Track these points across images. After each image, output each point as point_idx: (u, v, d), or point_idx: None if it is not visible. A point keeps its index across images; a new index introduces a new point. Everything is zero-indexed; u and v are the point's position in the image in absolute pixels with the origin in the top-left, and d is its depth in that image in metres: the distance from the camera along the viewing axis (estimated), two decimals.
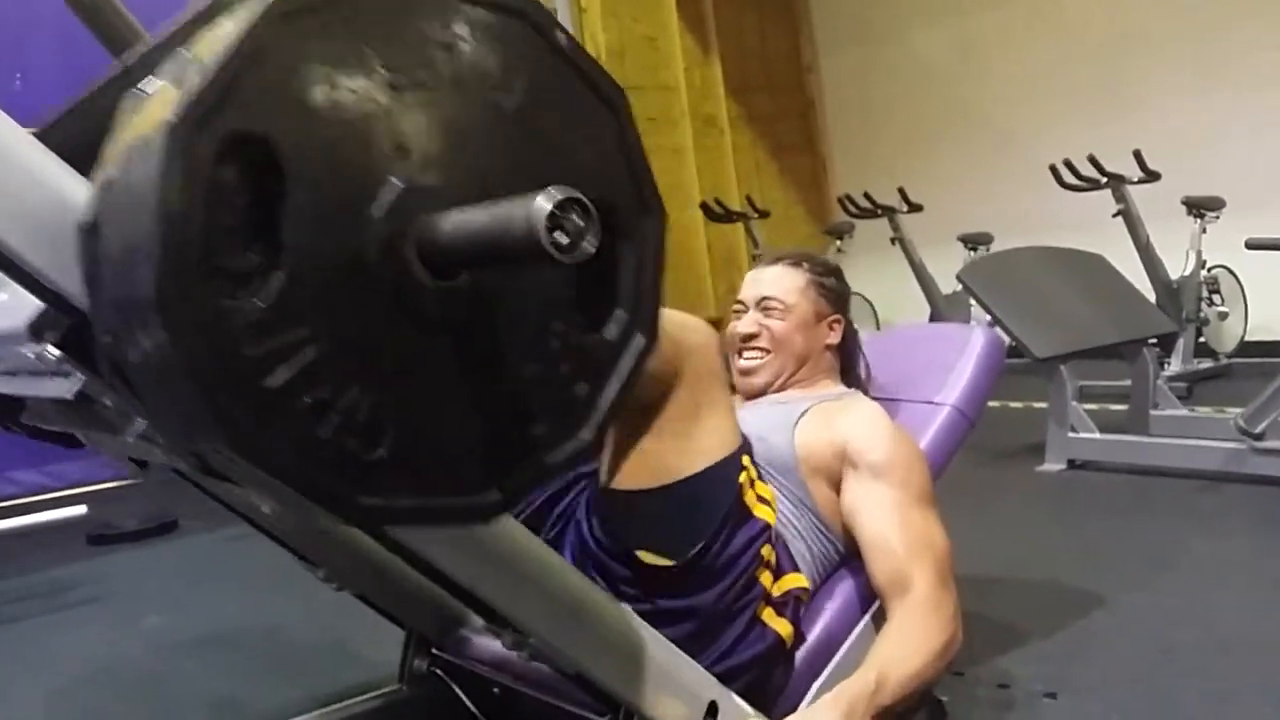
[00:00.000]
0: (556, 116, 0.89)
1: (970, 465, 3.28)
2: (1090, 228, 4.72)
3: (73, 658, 2.38)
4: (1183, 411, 3.38)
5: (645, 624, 1.25)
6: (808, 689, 1.50)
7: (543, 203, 0.71)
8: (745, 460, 1.46)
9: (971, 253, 5.81)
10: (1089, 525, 2.72)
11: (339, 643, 2.18)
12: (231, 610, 2.64)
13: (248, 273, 0.75)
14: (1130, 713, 1.58)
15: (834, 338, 1.82)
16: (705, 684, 1.31)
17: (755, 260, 1.91)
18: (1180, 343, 4.75)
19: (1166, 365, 4.68)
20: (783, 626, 1.49)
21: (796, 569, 1.54)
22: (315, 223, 0.77)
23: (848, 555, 1.62)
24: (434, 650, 1.69)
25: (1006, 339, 2.87)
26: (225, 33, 0.75)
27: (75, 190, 0.84)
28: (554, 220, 0.70)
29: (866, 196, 5.89)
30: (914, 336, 2.05)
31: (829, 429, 1.62)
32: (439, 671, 1.68)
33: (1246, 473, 2.81)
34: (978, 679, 1.72)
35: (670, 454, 1.37)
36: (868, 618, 1.58)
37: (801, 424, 1.64)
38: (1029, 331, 3.09)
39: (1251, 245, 3.13)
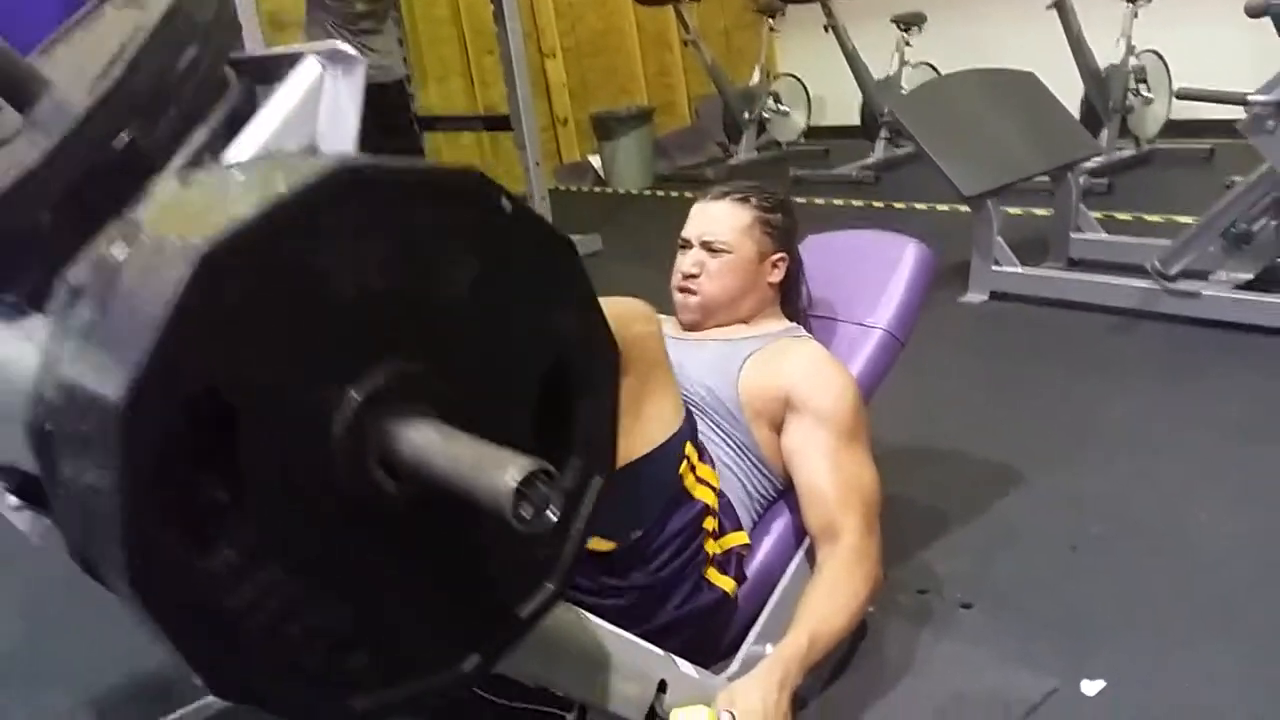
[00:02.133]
0: (509, 280, 0.88)
1: None
2: (1023, 12, 4.64)
3: None
4: (1102, 236, 3.46)
5: (589, 617, 1.31)
6: (749, 628, 1.64)
7: (508, 481, 0.71)
8: (687, 446, 1.52)
9: (904, 33, 5.67)
10: (1007, 374, 2.84)
11: None
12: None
13: (215, 522, 0.76)
14: (1039, 624, 1.74)
15: (776, 275, 1.85)
16: (653, 663, 1.40)
17: (704, 191, 1.90)
18: (1104, 133, 4.79)
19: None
20: (726, 583, 1.60)
21: (738, 525, 1.64)
22: (275, 455, 0.77)
23: (785, 489, 1.72)
24: None
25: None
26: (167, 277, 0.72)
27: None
28: (519, 496, 0.71)
29: None
30: (846, 248, 2.06)
31: (773, 375, 1.69)
32: None
33: (1159, 311, 2.94)
34: (900, 582, 1.86)
35: None
36: (801, 553, 1.69)
37: (745, 369, 1.70)
38: (958, 168, 3.12)
39: (1182, 95, 3.12)
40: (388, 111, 4.77)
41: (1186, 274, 2.88)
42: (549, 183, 4.57)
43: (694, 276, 1.81)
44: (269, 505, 0.77)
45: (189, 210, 0.84)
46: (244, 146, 1.13)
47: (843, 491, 1.61)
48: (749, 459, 1.70)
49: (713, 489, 1.57)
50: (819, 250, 2.06)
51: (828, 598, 1.54)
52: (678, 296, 1.84)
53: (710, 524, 1.56)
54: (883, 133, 5.79)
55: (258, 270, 0.74)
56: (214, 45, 1.17)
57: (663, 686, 1.40)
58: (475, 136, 6.10)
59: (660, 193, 6.03)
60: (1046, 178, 3.39)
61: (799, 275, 1.89)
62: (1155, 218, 3.97)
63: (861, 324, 1.90)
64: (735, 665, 1.56)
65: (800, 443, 1.66)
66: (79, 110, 1.08)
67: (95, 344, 0.77)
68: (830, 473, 1.62)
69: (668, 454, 1.49)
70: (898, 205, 4.79)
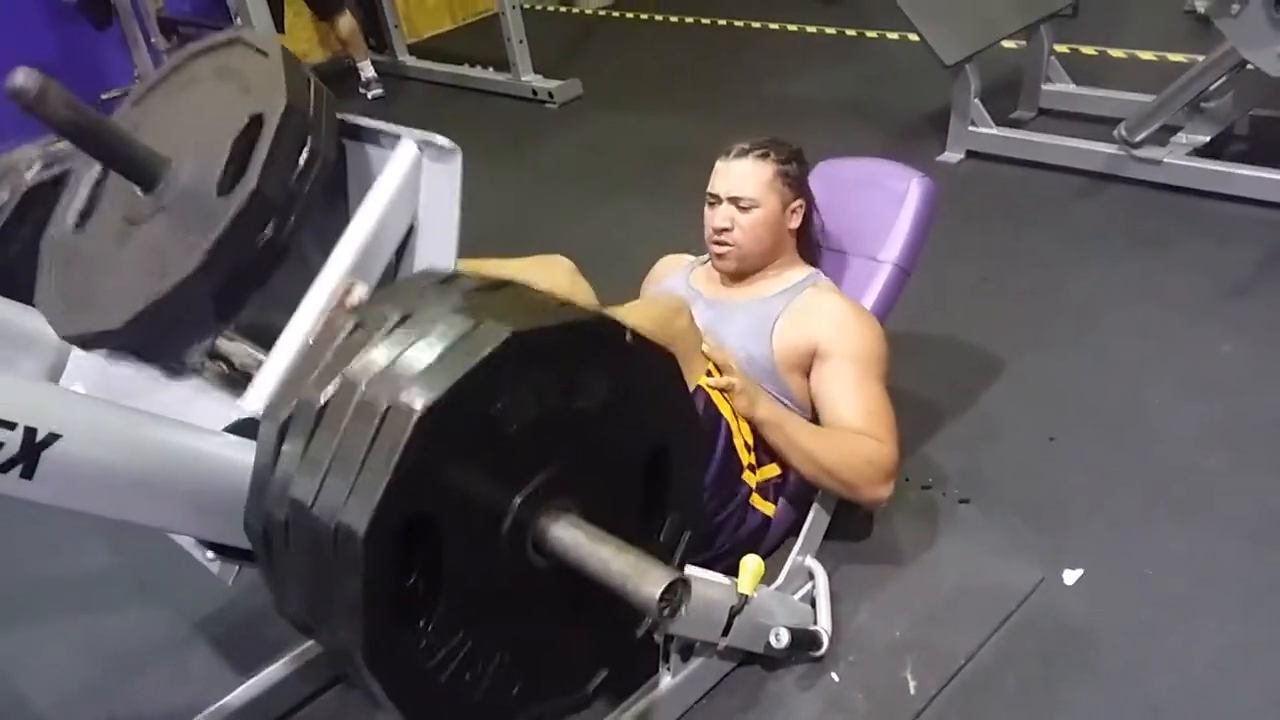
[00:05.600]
0: (629, 393, 1.10)
1: (877, 148, 3.56)
2: None
3: None
4: (1070, 87, 3.61)
5: None
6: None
7: (654, 592, 0.97)
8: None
9: None
10: (981, 244, 3.05)
11: None
12: None
13: (420, 606, 1.01)
14: (1026, 515, 2.05)
15: (796, 221, 2.07)
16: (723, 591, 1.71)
17: (726, 148, 2.03)
18: None
19: None
20: (766, 507, 1.89)
21: (773, 459, 1.91)
22: (462, 552, 1.02)
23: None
24: None
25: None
26: (392, 437, 0.93)
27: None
28: (664, 602, 0.97)
29: None
30: (855, 178, 2.23)
31: (802, 332, 1.94)
32: None
33: (1125, 176, 3.15)
34: (907, 480, 2.17)
35: None
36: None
37: (778, 330, 1.95)
38: (939, 36, 3.23)
39: None
40: None
41: (1150, 138, 3.08)
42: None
43: (727, 230, 2.01)
44: (457, 588, 1.02)
45: (391, 370, 1.03)
46: (358, 230, 1.31)
47: (866, 411, 1.88)
48: (784, 406, 1.95)
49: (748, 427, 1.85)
50: (829, 179, 2.24)
51: (826, 436, 1.86)
52: (715, 248, 2.06)
53: (747, 458, 1.83)
54: None
55: (455, 423, 0.97)
56: (325, 136, 1.32)
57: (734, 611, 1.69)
58: None
59: (629, 14, 5.97)
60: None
61: (813, 214, 2.11)
62: (1118, 53, 4.11)
63: (874, 258, 2.11)
64: (781, 578, 1.87)
65: (826, 378, 1.92)
66: (226, 216, 1.25)
67: (330, 475, 0.98)
68: (855, 398, 1.89)
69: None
70: (871, 34, 4.83)
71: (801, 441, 1.83)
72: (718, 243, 2.04)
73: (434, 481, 0.97)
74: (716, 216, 2.03)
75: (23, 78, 1.12)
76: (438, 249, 1.31)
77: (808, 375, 1.95)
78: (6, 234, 1.50)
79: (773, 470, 1.91)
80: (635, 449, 1.15)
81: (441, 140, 1.29)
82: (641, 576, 0.97)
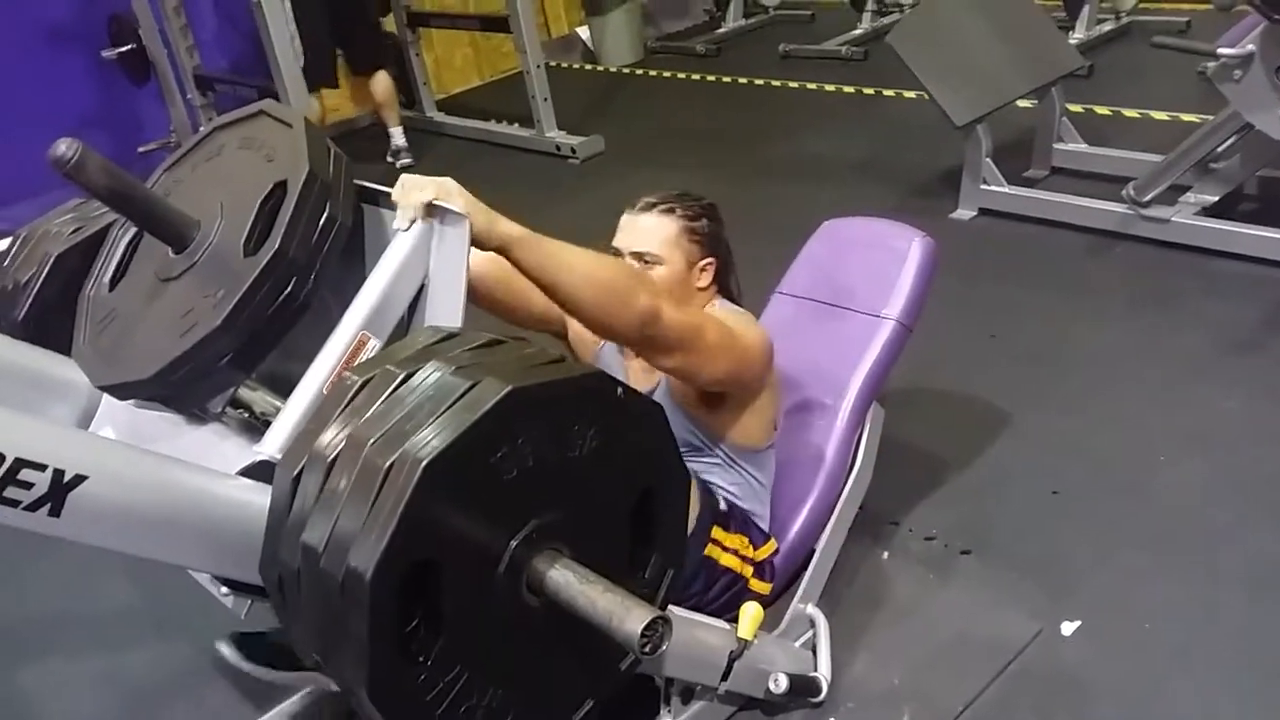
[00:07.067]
0: (617, 441, 1.17)
1: (892, 205, 3.63)
2: None
3: None
4: (1083, 147, 3.67)
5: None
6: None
7: (635, 628, 1.02)
8: (714, 530, 1.82)
9: None
10: (993, 298, 3.12)
11: None
12: None
13: (420, 643, 1.07)
14: (1027, 568, 2.09)
15: (705, 279, 1.94)
16: (725, 637, 1.75)
17: (631, 202, 1.96)
18: (1085, 10, 4.92)
19: (1070, 33, 4.87)
20: (763, 587, 1.92)
21: (765, 536, 1.93)
22: (460, 592, 1.08)
23: (758, 449, 1.96)
24: None
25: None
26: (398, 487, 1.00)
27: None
28: (644, 638, 1.02)
29: None
30: (857, 239, 2.29)
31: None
32: None
33: (1134, 234, 3.21)
34: (910, 531, 2.21)
35: None
36: (834, 519, 2.02)
37: (663, 386, 1.87)
38: (950, 98, 3.32)
39: (1157, 45, 3.29)
40: (344, 18, 4.78)
41: (1159, 198, 3.13)
42: (537, 58, 4.65)
43: None
44: (455, 627, 1.08)
45: (396, 425, 1.09)
46: (372, 288, 1.38)
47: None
48: (721, 455, 1.91)
49: (738, 555, 1.85)
50: (833, 237, 2.31)
51: (584, 255, 1.49)
52: None
53: (745, 570, 1.86)
54: (869, 4, 5.87)
55: (456, 475, 1.03)
56: (343, 202, 1.40)
57: (734, 656, 1.73)
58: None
59: (652, 71, 6.12)
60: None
61: (728, 272, 2.00)
62: (1132, 113, 4.18)
63: (876, 315, 2.16)
64: (783, 625, 1.91)
65: None
66: (249, 275, 1.33)
67: (339, 523, 1.05)
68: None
69: (695, 538, 1.76)
70: (888, 93, 4.93)
71: (566, 256, 1.47)
72: None
73: (435, 529, 1.04)
74: None
75: (64, 148, 1.21)
76: (446, 307, 1.38)
77: (710, 404, 1.85)
78: (46, 291, 1.59)
79: (768, 549, 1.93)
80: (622, 493, 1.21)
81: (452, 205, 1.37)
82: (625, 614, 1.03)
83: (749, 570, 1.87)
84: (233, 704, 2.03)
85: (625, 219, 1.95)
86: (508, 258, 1.44)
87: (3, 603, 2.48)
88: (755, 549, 1.90)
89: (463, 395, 1.07)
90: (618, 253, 1.90)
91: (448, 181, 1.39)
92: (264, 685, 1.96)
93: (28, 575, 2.38)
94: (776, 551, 1.95)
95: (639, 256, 1.88)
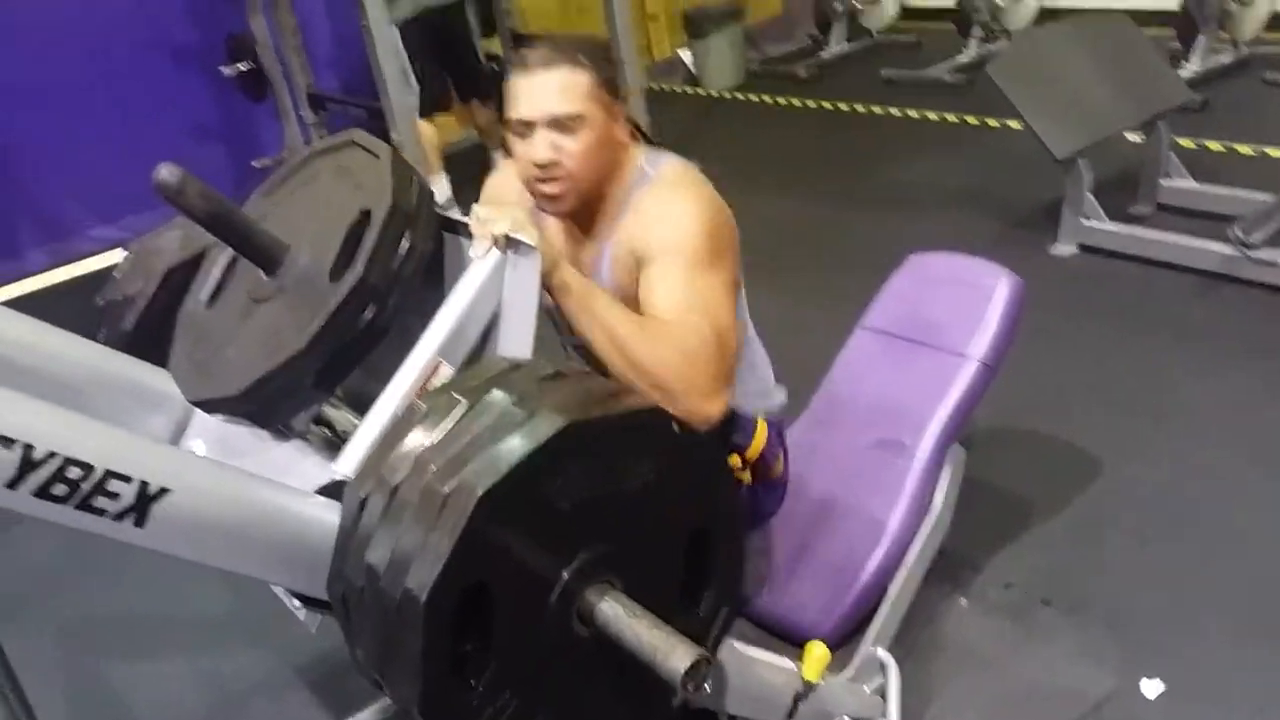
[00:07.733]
0: (674, 476, 1.18)
1: (989, 237, 3.57)
2: None
3: None
4: (1191, 184, 3.56)
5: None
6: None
7: (680, 667, 1.03)
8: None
9: None
10: (1091, 339, 3.03)
11: None
12: None
13: (472, 666, 1.09)
14: (1110, 621, 2.03)
15: (624, 131, 1.69)
16: (787, 675, 1.74)
17: (521, 59, 1.62)
18: (1201, 40, 4.77)
19: (1184, 64, 4.73)
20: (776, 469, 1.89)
21: (750, 423, 1.83)
22: (512, 619, 1.10)
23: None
24: None
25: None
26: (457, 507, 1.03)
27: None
28: (688, 676, 1.03)
29: None
30: (942, 276, 2.26)
31: (628, 251, 1.64)
32: None
33: (1241, 277, 3.09)
34: (988, 579, 2.17)
35: None
36: (909, 563, 2.00)
37: (608, 267, 1.69)
38: (1050, 130, 3.25)
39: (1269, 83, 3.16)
40: (450, 45, 4.85)
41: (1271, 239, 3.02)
42: (641, 81, 4.65)
43: (554, 162, 1.60)
44: (506, 651, 1.10)
45: (459, 454, 1.12)
46: (447, 315, 1.42)
47: (689, 307, 1.52)
48: None
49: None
50: (918, 272, 2.28)
51: (640, 322, 1.49)
52: (541, 189, 1.63)
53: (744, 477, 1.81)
54: (975, 30, 5.79)
55: (512, 504, 1.05)
56: (424, 230, 1.44)
57: (798, 697, 1.73)
58: None
59: (753, 96, 6.11)
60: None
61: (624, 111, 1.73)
62: (1247, 149, 4.03)
63: (960, 354, 2.13)
64: (853, 669, 1.89)
65: (646, 287, 1.57)
66: (333, 300, 1.38)
67: (399, 545, 1.08)
68: (676, 286, 1.54)
69: None
70: (991, 123, 4.85)
71: (610, 320, 1.46)
72: (543, 180, 1.61)
73: (490, 555, 1.06)
74: (535, 148, 1.59)
75: (165, 173, 1.28)
76: (518, 336, 1.41)
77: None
78: (151, 307, 1.67)
79: (760, 442, 1.82)
80: (677, 530, 1.21)
81: (524, 237, 1.40)
82: (670, 651, 1.04)
83: (746, 476, 1.82)
84: (310, 712, 2.09)
85: (524, 84, 1.61)
86: (557, 301, 1.47)
87: (115, 601, 2.62)
88: (744, 450, 1.80)
89: (522, 425, 1.09)
90: (526, 126, 1.60)
91: (519, 212, 1.42)
92: (341, 693, 2.05)
93: (137, 577, 2.49)
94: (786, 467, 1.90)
95: (559, 123, 1.59)
